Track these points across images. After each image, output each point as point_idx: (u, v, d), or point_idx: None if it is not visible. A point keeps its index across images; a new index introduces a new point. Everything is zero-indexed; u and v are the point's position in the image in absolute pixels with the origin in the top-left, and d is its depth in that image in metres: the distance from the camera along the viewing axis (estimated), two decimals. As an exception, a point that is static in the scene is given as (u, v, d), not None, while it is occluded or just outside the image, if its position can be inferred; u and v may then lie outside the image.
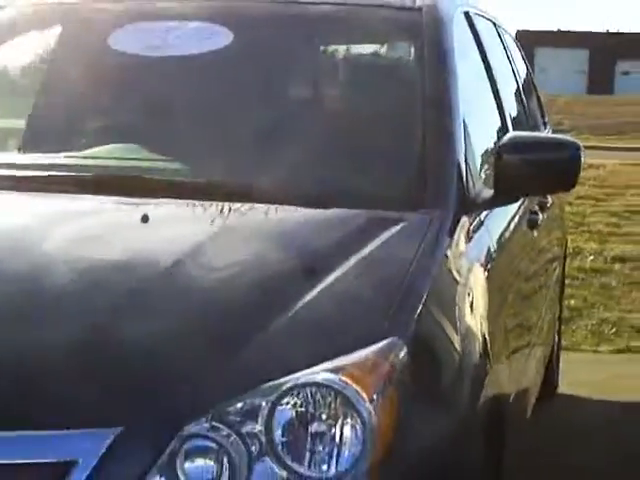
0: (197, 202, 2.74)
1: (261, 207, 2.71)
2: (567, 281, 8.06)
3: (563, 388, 5.70)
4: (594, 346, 6.73)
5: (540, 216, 3.92)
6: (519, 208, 3.56)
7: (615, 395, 5.60)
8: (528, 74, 5.44)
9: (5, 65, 3.74)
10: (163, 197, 2.77)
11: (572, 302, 7.57)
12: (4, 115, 3.76)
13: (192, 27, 3.31)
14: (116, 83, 3.32)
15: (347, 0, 3.48)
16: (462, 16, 3.65)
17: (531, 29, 51.36)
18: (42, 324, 2.19)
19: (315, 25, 3.45)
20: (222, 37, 3.24)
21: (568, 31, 51.90)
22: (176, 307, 2.27)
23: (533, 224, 3.77)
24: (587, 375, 6.00)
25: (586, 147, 3.34)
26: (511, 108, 4.16)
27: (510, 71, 4.58)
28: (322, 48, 3.63)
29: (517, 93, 4.64)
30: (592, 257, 9.02)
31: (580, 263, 8.81)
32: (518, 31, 51.72)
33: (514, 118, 4.15)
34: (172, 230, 2.66)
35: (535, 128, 4.87)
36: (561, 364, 5.85)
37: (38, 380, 2.06)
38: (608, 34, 51.93)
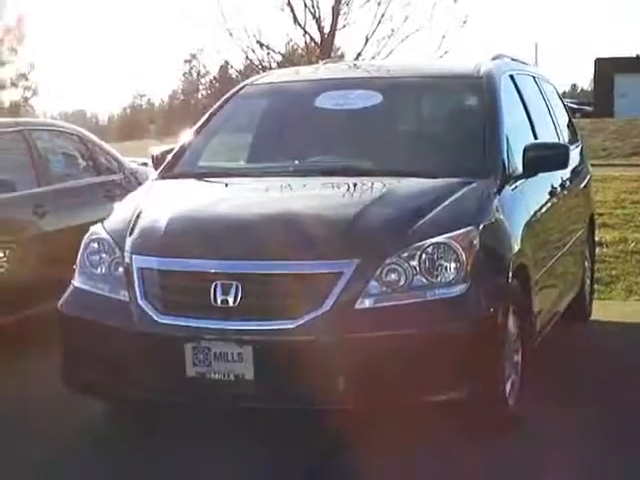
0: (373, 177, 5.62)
1: (406, 178, 5.56)
2: (612, 259, 10.76)
3: (598, 316, 8.35)
4: (625, 298, 9.39)
5: (559, 190, 6.68)
6: (543, 183, 6.30)
7: (633, 319, 8.37)
8: (565, 106, 8.21)
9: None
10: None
11: (613, 272, 10.21)
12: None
13: (358, 93, 6.24)
14: (319, 124, 6.28)
15: (446, 73, 6.65)
16: (508, 77, 6.52)
17: (609, 56, 52.04)
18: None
19: (425, 89, 6.49)
20: (376, 98, 6.17)
21: (646, 56, 52.15)
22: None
23: (552, 193, 6.53)
24: (616, 310, 8.74)
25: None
26: (542, 129, 6.87)
27: (545, 107, 7.34)
28: (432, 100, 6.64)
29: (550, 120, 7.38)
30: (634, 244, 11.60)
31: (623, 247, 11.41)
32: (597, 59, 52.96)
33: (545, 135, 6.87)
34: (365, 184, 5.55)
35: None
36: (598, 307, 8.48)
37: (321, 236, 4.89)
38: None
